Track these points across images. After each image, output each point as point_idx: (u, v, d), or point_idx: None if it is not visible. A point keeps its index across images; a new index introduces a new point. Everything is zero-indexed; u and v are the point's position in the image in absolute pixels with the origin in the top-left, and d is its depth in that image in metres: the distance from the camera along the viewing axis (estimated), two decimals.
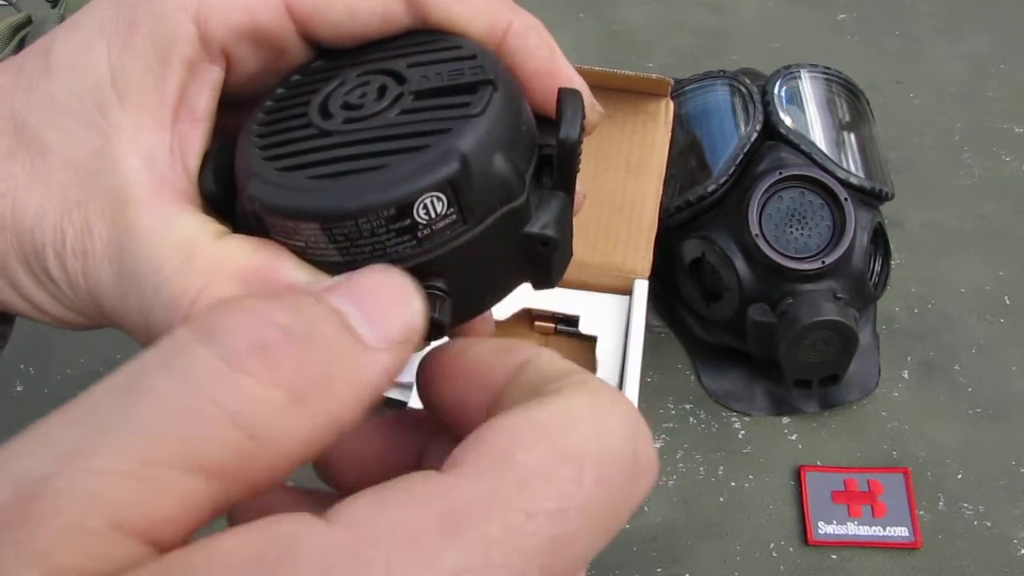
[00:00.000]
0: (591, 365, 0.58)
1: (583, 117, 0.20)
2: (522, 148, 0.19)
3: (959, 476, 0.57)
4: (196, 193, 0.20)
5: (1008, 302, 0.65)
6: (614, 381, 0.57)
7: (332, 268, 0.18)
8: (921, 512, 0.55)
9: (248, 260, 0.18)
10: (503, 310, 0.60)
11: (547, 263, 0.20)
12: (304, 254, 0.18)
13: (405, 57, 0.20)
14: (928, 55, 0.82)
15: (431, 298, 0.18)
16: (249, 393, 0.13)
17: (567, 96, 0.20)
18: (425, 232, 0.17)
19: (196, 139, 0.20)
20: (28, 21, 0.66)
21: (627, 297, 0.61)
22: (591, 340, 0.60)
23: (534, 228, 0.19)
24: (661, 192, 0.60)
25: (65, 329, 0.21)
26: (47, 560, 0.11)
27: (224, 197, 0.20)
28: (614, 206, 0.60)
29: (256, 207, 0.18)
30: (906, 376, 0.61)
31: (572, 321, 0.61)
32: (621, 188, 0.60)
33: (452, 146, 0.17)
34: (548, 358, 0.17)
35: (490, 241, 0.18)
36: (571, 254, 0.20)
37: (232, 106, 0.21)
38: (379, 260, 0.18)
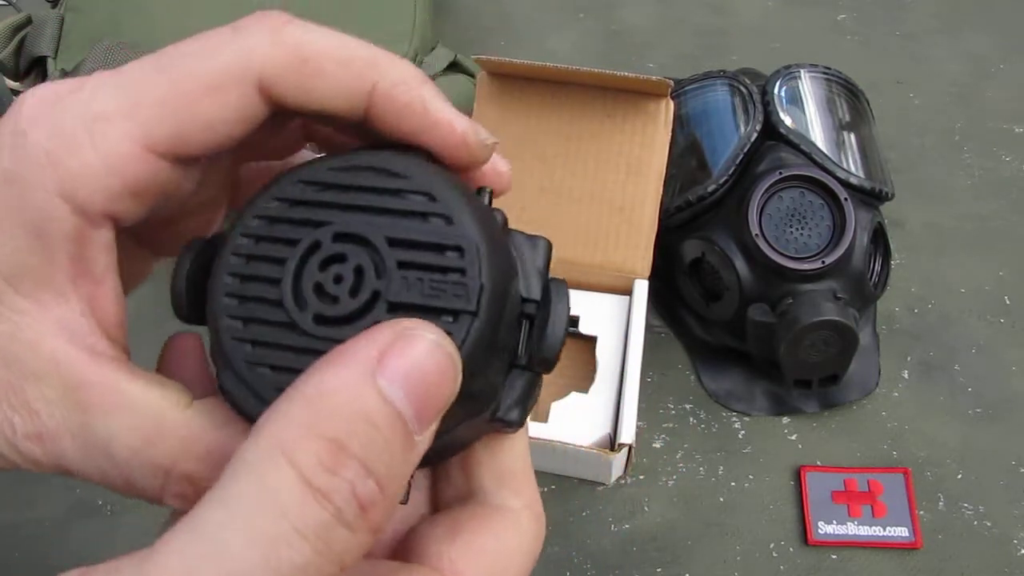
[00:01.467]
0: (591, 365, 0.58)
1: (568, 319, 0.20)
2: (499, 359, 0.19)
3: (959, 476, 0.57)
4: (119, 350, 0.20)
5: (1008, 302, 0.65)
6: (614, 381, 0.57)
7: None
8: (921, 512, 0.55)
9: (212, 440, 0.19)
10: None
11: (508, 431, 0.21)
12: None
13: (384, 215, 0.19)
14: (928, 55, 0.82)
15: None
16: (359, 545, 0.16)
17: (554, 296, 0.20)
18: None
19: (105, 299, 0.20)
20: (28, 21, 0.66)
21: (627, 297, 0.61)
22: (591, 340, 0.60)
23: (500, 415, 0.20)
24: (661, 192, 0.60)
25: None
26: None
27: (196, 315, 0.20)
28: (614, 206, 0.60)
29: (230, 402, 0.18)
30: (906, 376, 0.61)
31: (572, 321, 0.61)
32: (621, 188, 0.60)
33: None
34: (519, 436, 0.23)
35: (455, 438, 0.20)
36: (530, 411, 0.22)
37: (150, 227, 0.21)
38: None
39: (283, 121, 0.22)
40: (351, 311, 0.18)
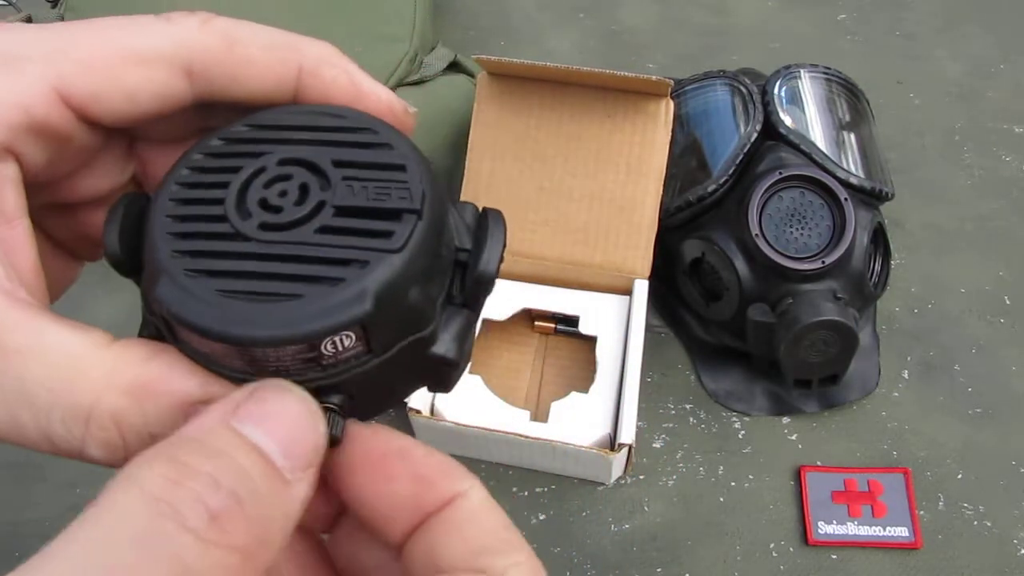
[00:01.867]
0: (591, 365, 0.58)
1: (504, 244, 0.20)
2: (439, 275, 0.19)
3: (959, 476, 0.57)
4: (37, 297, 0.19)
5: (1008, 302, 0.65)
6: (614, 381, 0.57)
7: (231, 377, 0.18)
8: (921, 512, 0.55)
9: (138, 372, 0.18)
10: (503, 310, 0.60)
11: (446, 375, 0.20)
12: (205, 360, 0.18)
13: (329, 147, 0.19)
14: (928, 55, 0.82)
15: (326, 412, 0.18)
16: (215, 560, 0.14)
17: (490, 222, 0.20)
18: (330, 361, 0.18)
19: (19, 241, 0.19)
20: (28, 21, 0.66)
21: (627, 297, 0.61)
22: (591, 340, 0.60)
23: (438, 350, 0.19)
24: (661, 192, 0.60)
25: None
26: None
27: (130, 260, 0.19)
28: (614, 206, 0.60)
29: (164, 312, 0.18)
30: (906, 376, 0.61)
31: (572, 321, 0.61)
32: (621, 188, 0.60)
33: (366, 286, 0.17)
34: (480, 501, 0.18)
35: (393, 364, 0.19)
36: (469, 359, 0.21)
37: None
38: (280, 377, 0.18)
39: (196, 113, 0.21)
40: (297, 217, 0.18)
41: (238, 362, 0.18)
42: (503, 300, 0.61)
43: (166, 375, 0.18)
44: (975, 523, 0.55)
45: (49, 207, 0.21)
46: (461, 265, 0.20)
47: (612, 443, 0.55)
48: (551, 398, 0.57)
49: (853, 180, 0.57)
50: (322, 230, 0.18)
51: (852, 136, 0.60)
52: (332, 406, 0.18)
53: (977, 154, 0.74)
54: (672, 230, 0.60)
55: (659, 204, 0.60)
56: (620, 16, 0.86)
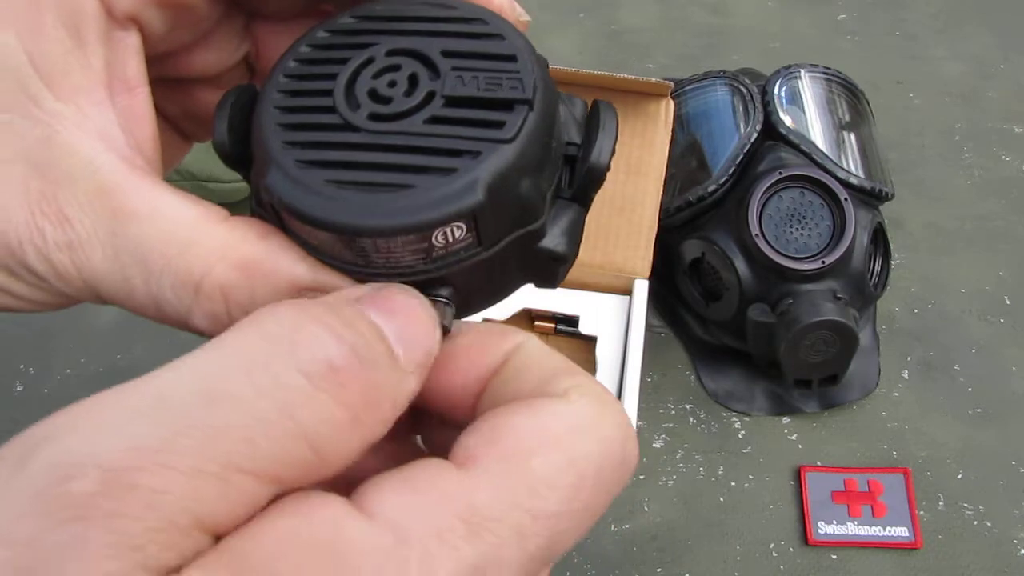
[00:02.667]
0: (591, 365, 0.58)
1: (615, 138, 0.19)
2: (550, 168, 0.19)
3: (959, 476, 0.57)
4: (154, 167, 0.20)
5: (1008, 302, 0.65)
6: (614, 381, 0.57)
7: (341, 269, 0.18)
8: (921, 512, 0.55)
9: (251, 250, 0.18)
10: (503, 310, 0.60)
11: (553, 271, 0.20)
12: (313, 251, 0.18)
13: (438, 37, 0.19)
14: (928, 55, 0.82)
15: (435, 305, 0.18)
16: (322, 411, 0.14)
17: (603, 114, 0.19)
18: (440, 253, 0.17)
19: (140, 109, 0.19)
20: None
21: (627, 297, 0.61)
22: (591, 340, 0.60)
23: (547, 244, 0.19)
24: (661, 192, 0.60)
25: (45, 311, 0.20)
26: (137, 551, 0.12)
27: (240, 153, 0.19)
28: (614, 206, 0.60)
29: (274, 201, 0.18)
30: (906, 376, 0.61)
31: (572, 321, 0.61)
32: (621, 188, 0.60)
33: (478, 175, 0.17)
34: (536, 346, 0.18)
35: (501, 258, 0.18)
36: (577, 254, 0.20)
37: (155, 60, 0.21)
38: (391, 270, 0.18)
39: None
40: (407, 108, 0.18)
41: (348, 253, 0.18)
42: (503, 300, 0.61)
43: (278, 256, 0.18)
44: (975, 523, 0.55)
45: (163, 81, 0.21)
46: (570, 159, 0.19)
47: None
48: None
49: (853, 180, 0.57)
50: (432, 120, 0.18)
51: (852, 136, 0.60)
52: (441, 299, 0.18)
53: (977, 154, 0.74)
54: (672, 230, 0.60)
55: (659, 204, 0.60)
56: (620, 16, 0.86)
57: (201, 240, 0.18)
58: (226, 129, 0.19)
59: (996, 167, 0.73)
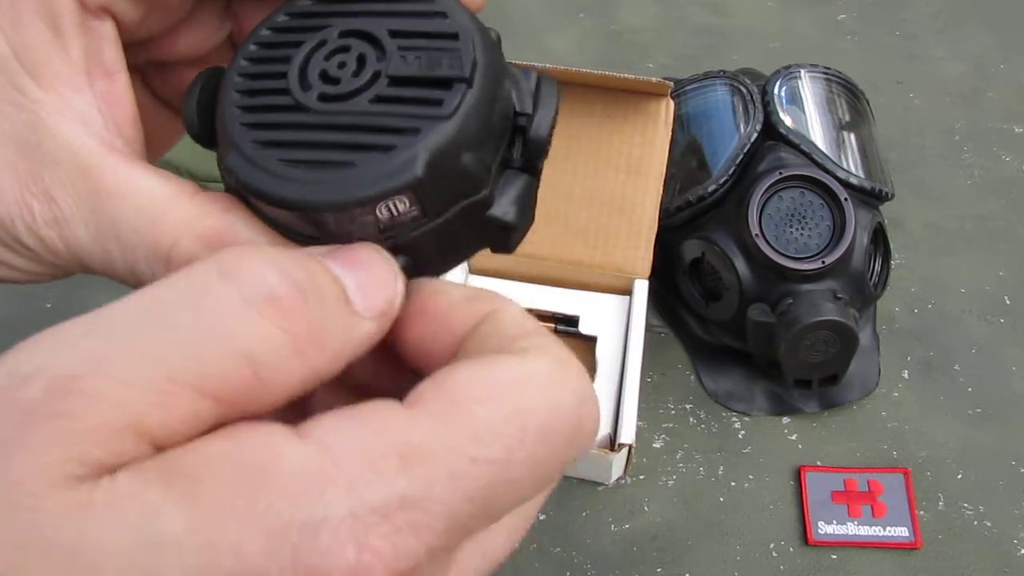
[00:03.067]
0: (591, 365, 0.58)
1: (556, 109, 0.21)
2: (491, 141, 0.20)
3: (959, 476, 0.57)
4: (134, 147, 0.21)
5: (1008, 302, 0.65)
6: (614, 381, 0.57)
7: (300, 241, 0.20)
8: (921, 512, 0.55)
9: (214, 223, 0.19)
10: None
11: (506, 238, 0.21)
12: (275, 225, 0.20)
13: (388, 18, 0.20)
14: (928, 55, 0.82)
15: None
16: (262, 334, 0.15)
17: (543, 88, 0.21)
18: (387, 224, 0.19)
19: (118, 94, 0.21)
20: None
21: (627, 297, 0.61)
22: (591, 340, 0.60)
23: (495, 212, 0.20)
24: (661, 192, 0.60)
25: (38, 281, 0.22)
26: (74, 448, 0.14)
27: (207, 132, 0.21)
28: (614, 206, 0.60)
29: (233, 181, 0.19)
30: (906, 376, 0.61)
31: (572, 321, 0.61)
32: (621, 188, 0.60)
33: (417, 152, 0.18)
34: (514, 312, 0.18)
35: (450, 227, 0.20)
36: (531, 223, 0.21)
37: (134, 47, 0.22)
38: (346, 241, 0.19)
39: None
40: (354, 88, 0.19)
41: (305, 227, 0.19)
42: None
43: (239, 228, 0.19)
44: (975, 523, 0.55)
45: (153, 65, 0.23)
46: (521, 130, 0.20)
47: (612, 443, 0.55)
48: None
49: (853, 180, 0.57)
50: (377, 100, 0.19)
51: (852, 136, 0.60)
52: (397, 264, 0.20)
53: (977, 154, 0.74)
54: (672, 230, 0.60)
55: (659, 204, 0.60)
56: (620, 16, 0.86)
57: (169, 215, 0.19)
58: (195, 110, 0.20)
59: (996, 167, 0.73)
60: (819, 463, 0.57)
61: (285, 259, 0.16)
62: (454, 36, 0.19)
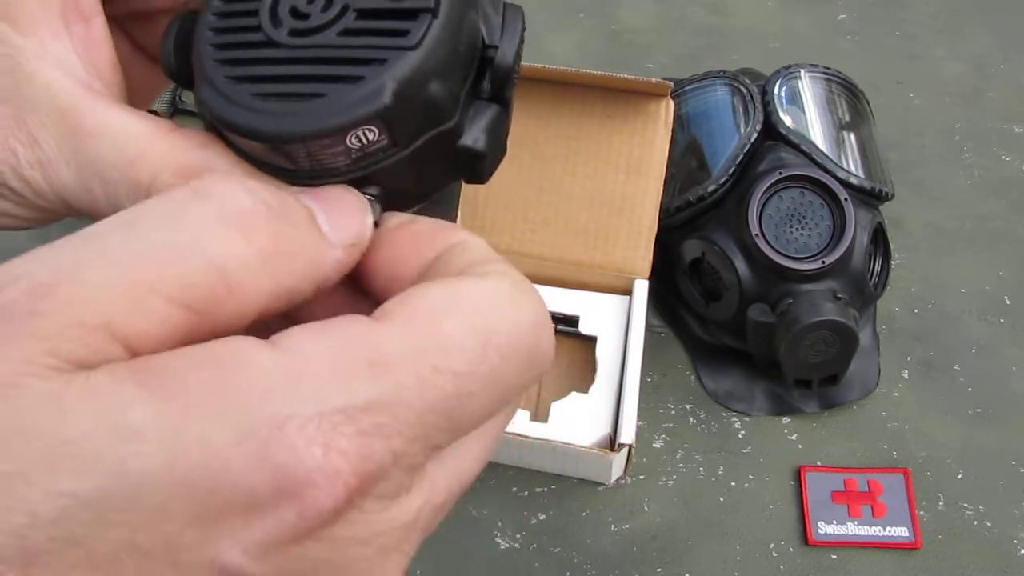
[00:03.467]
0: (591, 365, 0.58)
1: (521, 39, 0.21)
2: (458, 70, 0.20)
3: (959, 476, 0.57)
4: (113, 91, 0.22)
5: (1008, 302, 0.65)
6: (614, 381, 0.57)
7: (274, 173, 0.20)
8: (921, 512, 0.55)
9: (190, 157, 0.20)
10: None
11: (479, 167, 0.21)
12: (249, 158, 0.20)
13: None
14: (928, 55, 0.82)
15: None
16: (231, 247, 0.16)
17: (508, 17, 0.21)
18: (359, 154, 0.19)
19: (96, 37, 0.22)
20: None
21: (627, 297, 0.61)
22: (591, 340, 0.60)
23: (465, 142, 0.21)
24: (661, 192, 0.60)
25: (31, 227, 0.23)
26: (50, 342, 0.14)
27: (183, 71, 0.21)
28: (614, 206, 0.60)
29: (208, 115, 0.20)
30: (906, 376, 0.61)
31: (572, 321, 0.61)
32: (621, 188, 0.60)
33: (384, 81, 0.18)
34: (478, 244, 0.19)
35: (421, 156, 0.20)
36: (504, 153, 0.22)
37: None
38: (319, 172, 0.20)
39: None
40: (323, 22, 0.19)
41: (279, 159, 0.20)
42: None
43: (215, 161, 0.20)
44: (975, 523, 0.55)
45: (133, 16, 0.24)
46: (489, 61, 0.21)
47: (612, 443, 0.55)
48: (551, 398, 0.57)
49: (853, 180, 0.57)
50: (344, 32, 0.19)
51: (852, 136, 0.60)
52: (369, 196, 0.20)
53: (977, 154, 0.74)
54: (672, 230, 0.60)
55: (659, 204, 0.60)
56: (620, 16, 0.86)
57: (147, 152, 0.20)
58: (172, 50, 0.21)
59: (996, 167, 0.73)
60: (819, 463, 0.57)
61: (259, 184, 0.17)
62: None
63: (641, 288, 0.59)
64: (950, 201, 0.71)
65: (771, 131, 0.57)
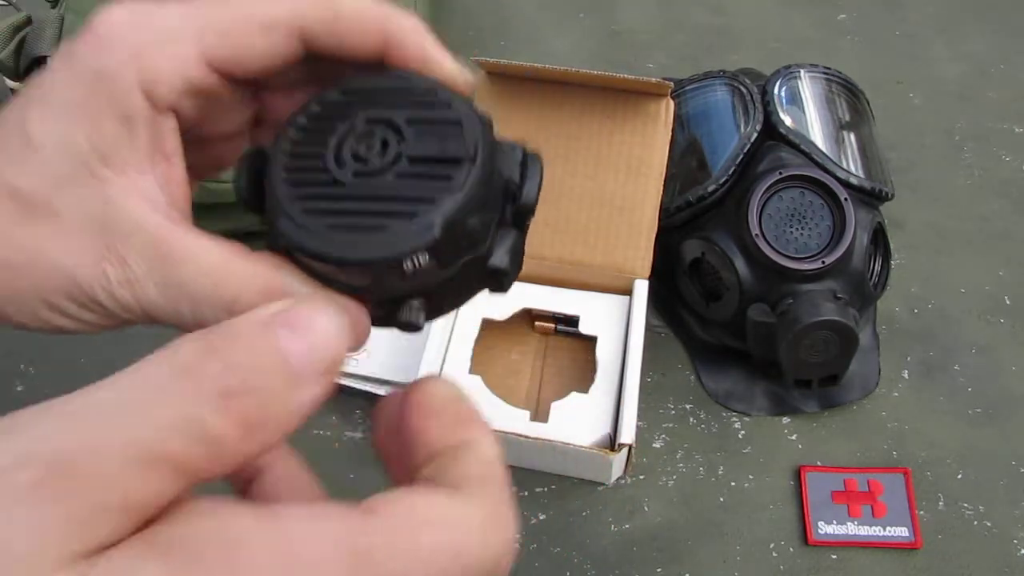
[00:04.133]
0: (591, 365, 0.58)
1: (540, 181, 0.26)
2: (491, 206, 0.25)
3: (959, 476, 0.57)
4: (186, 217, 0.25)
5: (1008, 302, 0.65)
6: (614, 381, 0.57)
7: (338, 288, 0.24)
8: (921, 512, 0.55)
9: (268, 278, 0.24)
10: (503, 310, 0.61)
11: (501, 282, 0.26)
12: (317, 276, 0.24)
13: (403, 109, 0.25)
14: (928, 55, 0.82)
15: (411, 309, 0.25)
16: (219, 429, 0.18)
17: (529, 161, 0.26)
18: (410, 273, 0.23)
19: (176, 174, 0.25)
20: (28, 21, 0.66)
21: (627, 297, 0.61)
22: (591, 340, 0.60)
23: (494, 262, 0.25)
24: (661, 192, 0.60)
25: (102, 331, 0.25)
26: (76, 528, 0.16)
27: (256, 201, 0.25)
28: (614, 206, 0.60)
29: (286, 241, 0.23)
30: (906, 376, 0.61)
31: (572, 321, 0.61)
32: (621, 188, 0.60)
33: (434, 218, 0.23)
34: (486, 449, 0.22)
35: (459, 275, 0.24)
36: (520, 269, 0.26)
37: (197, 141, 0.27)
38: (377, 289, 0.24)
39: (307, 66, 0.27)
40: (381, 166, 0.24)
41: (346, 278, 0.24)
42: (503, 300, 0.61)
43: (289, 281, 0.24)
44: (975, 523, 0.55)
45: (186, 141, 0.27)
46: (511, 195, 0.26)
47: (612, 443, 0.55)
48: (551, 398, 0.57)
49: (853, 180, 0.57)
50: (399, 175, 0.24)
51: (852, 136, 0.60)
52: (415, 306, 0.25)
53: (977, 154, 0.74)
54: (672, 230, 0.60)
55: (659, 204, 0.60)
56: (620, 16, 0.86)
57: (230, 275, 0.23)
58: (245, 184, 0.25)
59: (996, 167, 0.73)
60: (819, 463, 0.57)
61: (234, 348, 0.19)
62: (458, 123, 0.24)
63: (641, 288, 0.59)
64: (950, 201, 0.71)
65: (771, 131, 0.57)
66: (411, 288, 0.24)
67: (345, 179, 0.24)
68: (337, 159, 0.24)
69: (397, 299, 0.24)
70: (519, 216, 0.26)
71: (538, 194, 0.26)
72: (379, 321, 0.25)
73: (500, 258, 0.25)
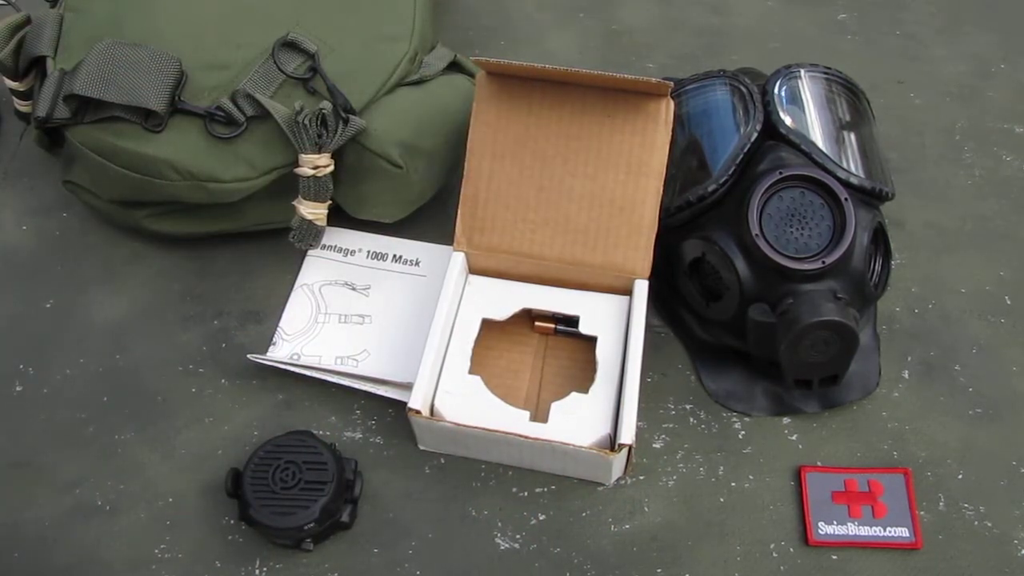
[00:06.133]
0: (591, 365, 0.58)
1: (363, 484, 0.56)
2: (340, 494, 0.53)
3: (959, 476, 0.57)
4: None
5: (1008, 302, 0.65)
6: (614, 381, 0.57)
7: (277, 538, 0.44)
8: (921, 512, 0.55)
9: None
10: (503, 310, 0.60)
11: (347, 525, 0.47)
12: (266, 534, 0.46)
13: (300, 454, 0.57)
14: (928, 55, 0.82)
15: (309, 543, 0.54)
16: None
17: (358, 469, 0.56)
18: (308, 530, 0.54)
19: None
20: (27, 21, 0.66)
21: (627, 297, 0.61)
22: (591, 340, 0.60)
23: (341, 519, 0.54)
24: (661, 192, 0.60)
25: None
26: None
27: (236, 492, 0.50)
28: (614, 206, 0.60)
29: (253, 517, 0.52)
30: (906, 376, 0.61)
31: (572, 321, 0.61)
32: (621, 188, 0.60)
33: (316, 508, 0.52)
34: None
35: (326, 529, 0.45)
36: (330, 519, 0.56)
37: None
38: (292, 537, 0.43)
39: None
40: (292, 484, 0.52)
41: (278, 535, 0.54)
42: (503, 300, 0.61)
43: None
44: (975, 523, 0.55)
45: None
46: (350, 487, 0.54)
47: (612, 443, 0.55)
48: (551, 398, 0.57)
49: (853, 180, 0.57)
50: (300, 489, 0.51)
51: (852, 136, 0.60)
52: (309, 540, 0.54)
53: (977, 154, 0.74)
54: (672, 230, 0.60)
55: (659, 204, 0.60)
56: (620, 16, 0.86)
57: None
58: (230, 485, 0.52)
59: (996, 167, 0.73)
60: (819, 463, 0.57)
61: None
62: (325, 463, 0.52)
63: (641, 288, 0.59)
64: (950, 201, 0.71)
65: (771, 131, 0.57)
66: (308, 534, 0.51)
67: (276, 490, 0.51)
68: (273, 480, 0.52)
69: (299, 541, 0.52)
70: (351, 495, 0.54)
71: (362, 488, 0.55)
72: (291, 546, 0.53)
73: (344, 517, 0.53)
